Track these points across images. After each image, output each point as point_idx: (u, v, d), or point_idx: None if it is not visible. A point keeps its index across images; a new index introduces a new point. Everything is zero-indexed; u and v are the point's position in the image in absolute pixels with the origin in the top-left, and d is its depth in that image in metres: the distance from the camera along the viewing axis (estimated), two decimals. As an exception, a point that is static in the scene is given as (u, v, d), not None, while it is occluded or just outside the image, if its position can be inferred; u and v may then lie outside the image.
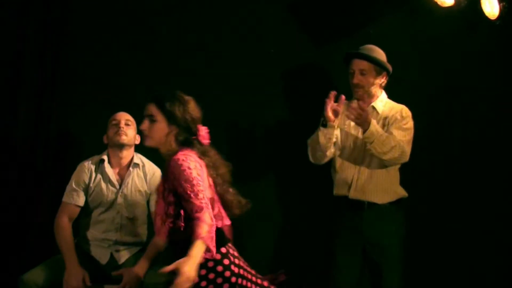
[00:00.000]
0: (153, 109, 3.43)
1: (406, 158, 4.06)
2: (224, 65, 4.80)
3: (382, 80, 4.18)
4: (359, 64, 4.12)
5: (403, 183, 4.20)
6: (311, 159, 4.20)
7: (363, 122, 3.92)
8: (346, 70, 4.20)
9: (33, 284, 3.98)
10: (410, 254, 4.22)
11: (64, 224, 4.15)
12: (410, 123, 4.11)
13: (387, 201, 4.10)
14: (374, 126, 3.92)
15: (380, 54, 4.17)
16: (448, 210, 4.67)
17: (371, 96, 4.17)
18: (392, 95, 4.26)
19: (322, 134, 4.04)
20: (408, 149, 4.04)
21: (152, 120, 3.43)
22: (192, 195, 3.16)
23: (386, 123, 4.11)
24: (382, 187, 4.09)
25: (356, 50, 4.20)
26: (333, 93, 4.01)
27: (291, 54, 4.82)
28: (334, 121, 4.02)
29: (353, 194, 4.12)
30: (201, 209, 3.12)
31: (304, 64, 4.85)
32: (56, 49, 4.81)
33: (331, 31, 4.81)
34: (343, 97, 4.02)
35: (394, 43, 4.55)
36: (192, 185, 3.18)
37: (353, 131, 4.17)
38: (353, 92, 4.17)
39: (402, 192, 4.17)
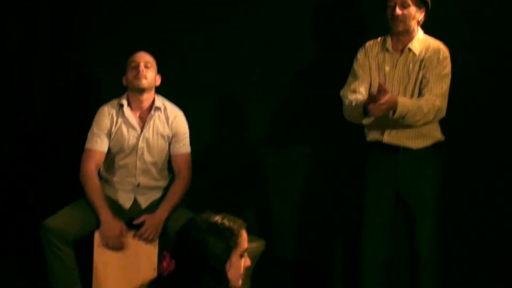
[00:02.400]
0: None
1: (442, 114, 3.88)
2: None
3: (421, 17, 3.92)
4: None
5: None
6: (346, 117, 4.02)
7: (389, 109, 3.72)
8: (382, 5, 3.93)
9: (56, 229, 3.89)
10: (446, 201, 4.05)
11: (92, 171, 4.05)
12: (447, 67, 3.88)
13: (423, 145, 3.94)
14: (401, 105, 3.72)
15: None
16: (489, 154, 4.40)
17: (409, 33, 3.92)
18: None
19: (365, 120, 3.90)
20: (444, 103, 3.85)
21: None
22: None
23: (422, 66, 3.88)
24: (419, 133, 3.91)
25: None
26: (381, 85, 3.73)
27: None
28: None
29: (387, 139, 3.95)
30: None
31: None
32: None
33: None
34: (381, 83, 3.76)
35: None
36: None
37: (387, 78, 3.95)
38: (391, 28, 3.93)
39: (439, 136, 3.99)
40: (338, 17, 4.58)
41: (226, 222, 2.54)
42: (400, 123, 3.83)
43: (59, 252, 3.89)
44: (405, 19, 3.86)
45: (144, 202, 4.14)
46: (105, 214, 3.97)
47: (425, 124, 3.84)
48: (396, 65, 3.92)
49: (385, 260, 4.02)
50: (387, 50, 3.96)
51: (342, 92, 4.02)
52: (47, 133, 4.74)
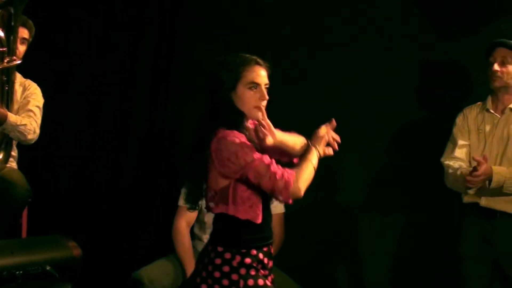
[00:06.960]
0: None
1: None
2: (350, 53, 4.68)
3: None
4: (501, 52, 3.86)
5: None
6: (448, 185, 3.97)
7: (485, 179, 3.68)
8: (486, 63, 3.93)
9: (147, 281, 3.89)
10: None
11: (182, 228, 4.09)
12: None
13: None
14: (496, 173, 3.67)
15: None
16: None
17: (508, 92, 3.88)
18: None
19: (471, 191, 3.84)
20: None
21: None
22: None
23: None
24: None
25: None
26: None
27: (415, 50, 4.57)
28: None
29: (484, 202, 3.84)
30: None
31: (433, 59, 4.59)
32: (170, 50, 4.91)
33: (457, 26, 4.50)
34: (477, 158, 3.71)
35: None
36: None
37: (486, 139, 3.90)
38: (490, 84, 3.91)
39: None
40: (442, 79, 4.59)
41: (233, 57, 2.80)
42: (502, 192, 3.73)
43: None
44: (503, 75, 3.85)
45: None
46: (189, 270, 3.94)
47: None
48: (496, 126, 3.86)
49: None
50: (487, 110, 3.91)
51: (443, 159, 3.97)
52: (141, 189, 4.83)
